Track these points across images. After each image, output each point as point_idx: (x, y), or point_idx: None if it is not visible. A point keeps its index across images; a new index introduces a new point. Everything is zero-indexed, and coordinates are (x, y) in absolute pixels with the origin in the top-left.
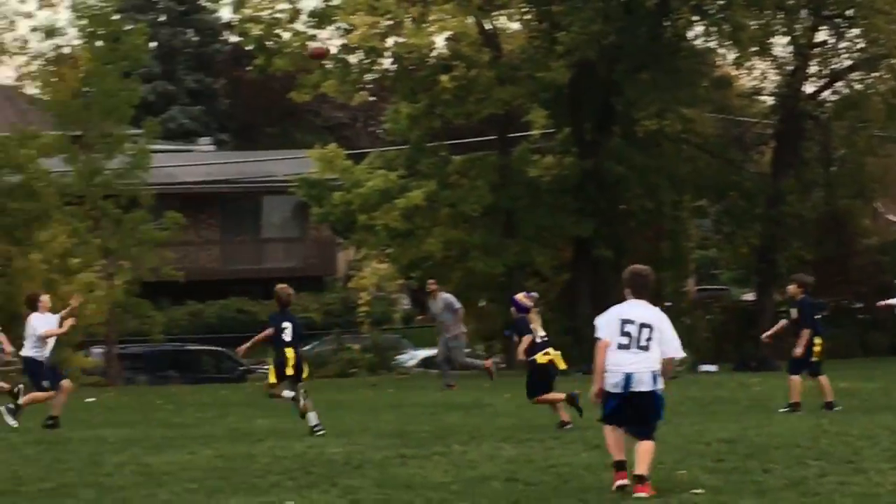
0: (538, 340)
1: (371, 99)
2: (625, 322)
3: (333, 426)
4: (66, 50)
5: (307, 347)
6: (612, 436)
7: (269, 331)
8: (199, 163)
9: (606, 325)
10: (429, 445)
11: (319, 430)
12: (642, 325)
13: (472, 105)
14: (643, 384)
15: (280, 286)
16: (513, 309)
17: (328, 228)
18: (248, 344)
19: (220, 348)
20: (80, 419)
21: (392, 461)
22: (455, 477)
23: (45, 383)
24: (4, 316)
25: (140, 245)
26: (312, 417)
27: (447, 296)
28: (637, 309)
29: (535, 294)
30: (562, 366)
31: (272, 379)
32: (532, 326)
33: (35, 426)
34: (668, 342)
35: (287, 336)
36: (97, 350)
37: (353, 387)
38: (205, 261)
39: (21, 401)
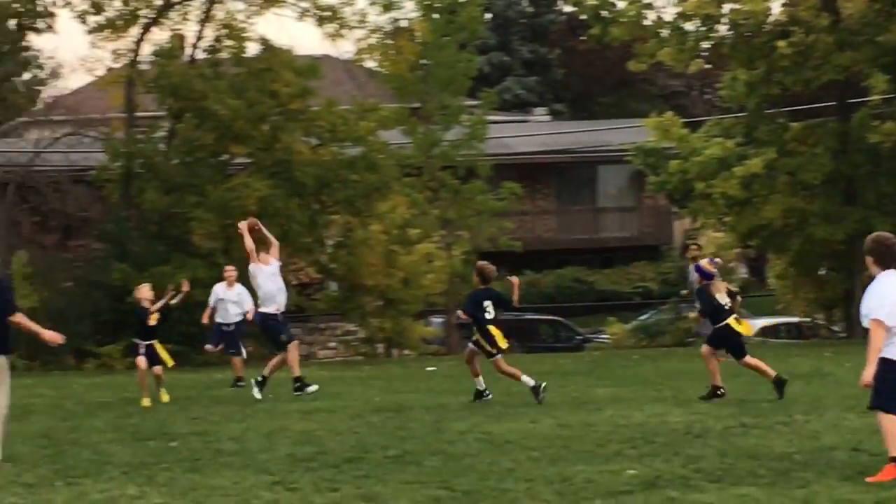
0: (725, 308)
1: (707, 66)
2: None
3: (673, 395)
4: (404, 23)
5: (644, 317)
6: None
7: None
8: (534, 133)
9: (884, 305)
10: (770, 415)
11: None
12: None
13: (810, 71)
14: None
15: (482, 263)
16: (697, 275)
17: (664, 197)
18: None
19: (557, 318)
20: (421, 388)
21: (733, 430)
22: (798, 447)
23: (284, 336)
24: (346, 286)
25: (478, 215)
26: (480, 381)
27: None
28: None
29: (718, 260)
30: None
31: (502, 344)
32: (716, 295)
33: (379, 393)
34: None
35: (489, 314)
36: (437, 319)
37: (691, 356)
38: (541, 230)
39: (265, 372)
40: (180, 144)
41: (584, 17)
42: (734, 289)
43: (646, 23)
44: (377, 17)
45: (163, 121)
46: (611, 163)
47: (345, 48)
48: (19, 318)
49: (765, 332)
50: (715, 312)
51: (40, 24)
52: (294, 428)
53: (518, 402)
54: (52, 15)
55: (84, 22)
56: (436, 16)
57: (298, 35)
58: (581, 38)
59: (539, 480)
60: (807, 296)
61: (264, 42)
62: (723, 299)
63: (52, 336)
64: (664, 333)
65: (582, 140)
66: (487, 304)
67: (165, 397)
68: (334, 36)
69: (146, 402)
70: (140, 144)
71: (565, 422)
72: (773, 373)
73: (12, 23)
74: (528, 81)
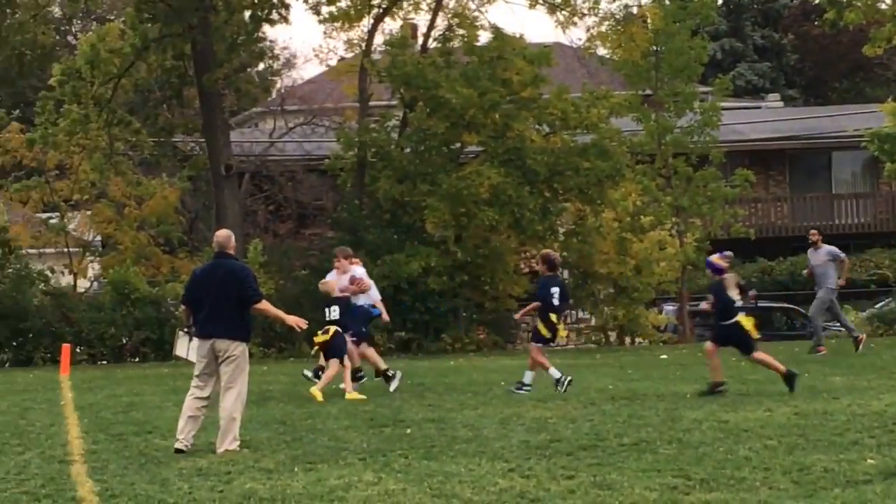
0: (737, 305)
1: None
2: None
3: None
4: (635, 10)
5: (879, 304)
6: None
7: (536, 304)
8: (767, 119)
9: None
10: None
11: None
12: None
13: None
14: None
15: (547, 251)
16: (709, 272)
17: None
18: (523, 311)
19: (792, 305)
20: (654, 375)
21: None
22: None
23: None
24: (578, 274)
25: (710, 202)
26: (556, 371)
27: (831, 247)
28: None
29: (729, 254)
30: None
31: (561, 334)
32: (729, 291)
33: (612, 381)
34: None
35: (556, 300)
36: (669, 307)
37: None
38: (774, 217)
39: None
40: (412, 133)
41: (817, 1)
42: (742, 283)
43: (882, 6)
44: (608, 5)
45: (395, 110)
46: (846, 149)
47: (576, 35)
48: (264, 305)
49: None
50: (726, 309)
51: (274, 15)
52: (528, 415)
53: (753, 391)
54: (286, 6)
55: (317, 12)
56: (667, 2)
57: (528, 22)
58: (815, 22)
59: (776, 469)
60: None
61: (496, 30)
62: (734, 295)
63: (295, 321)
64: None
65: (816, 126)
66: (555, 290)
67: (320, 396)
68: (565, 24)
69: (318, 394)
70: (373, 133)
71: (802, 410)
72: (782, 368)
73: (247, 14)
74: (761, 67)
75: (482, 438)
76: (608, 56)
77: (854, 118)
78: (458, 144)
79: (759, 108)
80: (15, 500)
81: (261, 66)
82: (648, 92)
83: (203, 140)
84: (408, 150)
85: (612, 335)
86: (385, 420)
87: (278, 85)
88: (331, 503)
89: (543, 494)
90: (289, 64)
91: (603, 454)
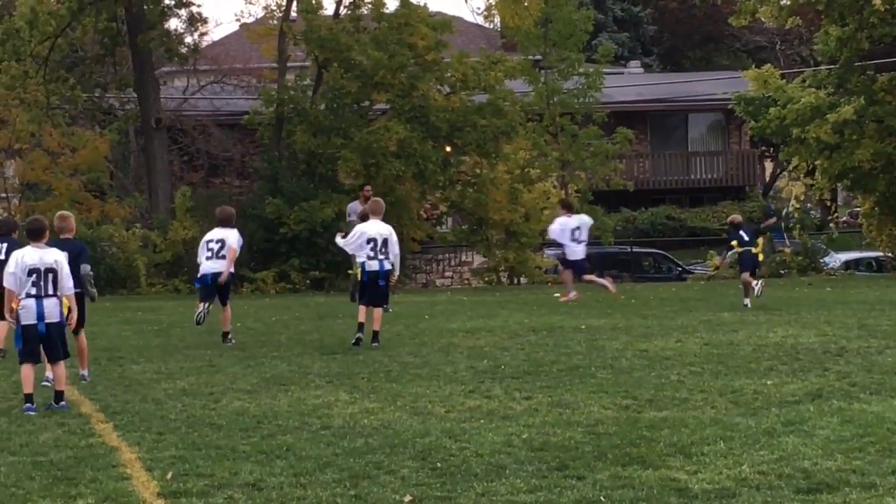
0: None
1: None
2: None
3: (795, 319)
4: None
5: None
6: None
7: None
8: (630, 84)
9: None
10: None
11: None
12: None
13: None
14: None
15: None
16: None
17: (747, 143)
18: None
19: (659, 251)
20: (560, 311)
21: (869, 350)
22: None
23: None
24: (474, 220)
25: (593, 157)
26: None
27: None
28: None
29: None
30: None
31: None
32: None
33: (527, 316)
34: None
35: None
36: (551, 252)
37: (792, 284)
38: (637, 172)
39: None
40: (327, 91)
41: None
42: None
43: None
44: None
45: (310, 70)
46: (699, 111)
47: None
48: None
49: (847, 265)
50: None
51: None
52: (463, 345)
53: (655, 325)
54: None
55: None
56: None
57: None
58: None
59: (711, 392)
60: (891, 233)
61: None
62: None
63: None
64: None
65: (672, 91)
66: None
67: None
68: None
69: None
70: (291, 92)
71: (709, 341)
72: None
73: None
74: (620, 37)
75: (431, 365)
76: (503, 25)
77: (706, 84)
78: (368, 102)
79: (621, 73)
80: (27, 419)
81: (175, 24)
82: (538, 57)
83: (135, 95)
84: (322, 107)
85: (503, 276)
86: (335, 348)
87: (188, 42)
88: (319, 420)
89: (510, 412)
90: (193, 22)
91: (548, 378)
